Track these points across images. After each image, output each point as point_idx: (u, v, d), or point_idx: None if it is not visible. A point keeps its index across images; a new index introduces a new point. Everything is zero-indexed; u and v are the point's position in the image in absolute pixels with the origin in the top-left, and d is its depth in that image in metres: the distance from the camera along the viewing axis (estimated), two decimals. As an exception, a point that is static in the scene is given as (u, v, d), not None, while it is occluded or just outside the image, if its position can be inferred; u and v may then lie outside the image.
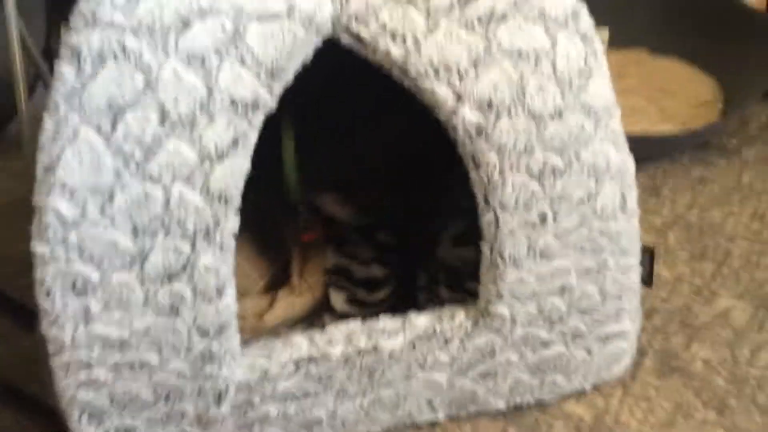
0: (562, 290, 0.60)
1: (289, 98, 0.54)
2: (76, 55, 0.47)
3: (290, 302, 0.75)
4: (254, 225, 0.77)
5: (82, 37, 0.47)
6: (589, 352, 0.65)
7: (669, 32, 1.08)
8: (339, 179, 0.72)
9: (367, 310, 0.73)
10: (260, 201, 0.73)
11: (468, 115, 0.52)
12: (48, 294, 0.51)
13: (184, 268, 0.52)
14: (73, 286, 0.51)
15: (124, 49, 0.47)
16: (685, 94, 1.05)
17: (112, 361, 0.54)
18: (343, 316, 0.72)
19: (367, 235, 0.78)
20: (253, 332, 0.72)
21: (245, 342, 0.59)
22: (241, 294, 0.76)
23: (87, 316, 0.52)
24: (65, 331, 0.52)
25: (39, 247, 0.50)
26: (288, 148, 0.69)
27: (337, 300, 0.75)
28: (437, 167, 0.74)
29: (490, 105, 0.52)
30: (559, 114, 0.53)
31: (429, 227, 0.78)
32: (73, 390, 0.55)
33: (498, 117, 0.52)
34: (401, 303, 0.73)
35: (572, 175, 0.55)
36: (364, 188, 0.74)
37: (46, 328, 0.52)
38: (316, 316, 0.76)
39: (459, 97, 0.51)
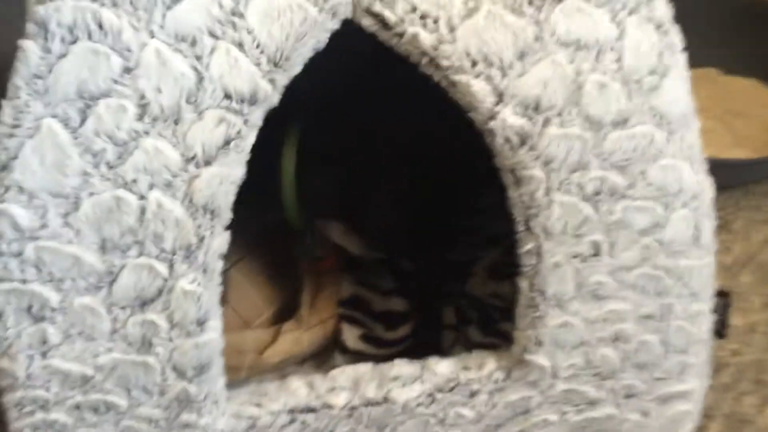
0: (616, 339, 0.52)
1: (298, 97, 0.47)
2: (43, 31, 0.41)
3: (296, 337, 0.67)
4: (265, 246, 0.71)
5: (51, 9, 0.41)
6: (645, 414, 0.56)
7: (743, 50, 1.00)
8: (347, 205, 0.64)
9: (384, 349, 0.67)
10: (272, 218, 0.66)
11: (510, 119, 0.44)
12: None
13: (159, 293, 0.44)
14: (29, 309, 0.44)
15: (100, 24, 0.41)
16: (762, 116, 0.96)
17: (72, 401, 0.47)
18: (356, 356, 0.66)
19: (388, 261, 0.71)
20: (251, 371, 0.65)
21: (235, 384, 0.51)
22: (244, 325, 0.69)
23: (44, 347, 0.45)
24: (19, 363, 0.45)
25: (-10, 261, 0.43)
26: (288, 161, 0.60)
27: (350, 336, 0.68)
28: (473, 184, 0.66)
29: (537, 107, 0.44)
30: (623, 121, 0.45)
31: (460, 255, 0.70)
32: (27, 434, 0.47)
33: (547, 122, 0.44)
34: (423, 345, 0.66)
35: (635, 198, 0.47)
36: (378, 215, 0.65)
37: (-3, 359, 0.45)
38: (327, 355, 0.69)
39: (500, 96, 0.43)
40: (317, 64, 0.46)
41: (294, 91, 0.47)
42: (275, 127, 0.47)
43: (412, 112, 0.59)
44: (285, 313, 0.71)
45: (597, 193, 0.46)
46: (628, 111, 0.45)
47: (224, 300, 0.68)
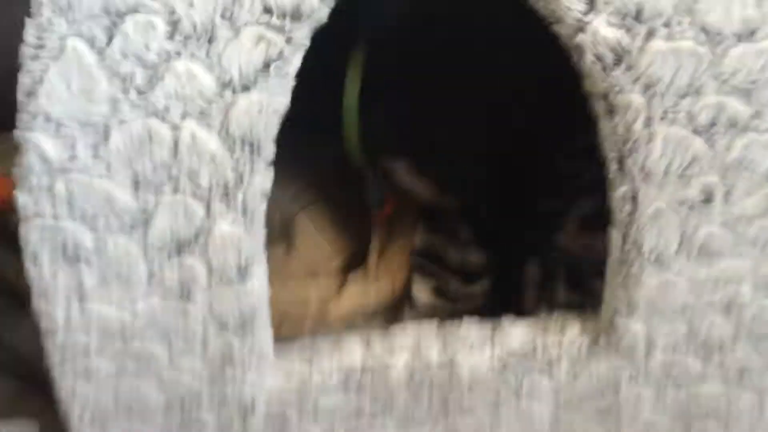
0: (729, 306, 0.45)
1: (362, 20, 0.41)
2: None
3: (362, 290, 0.63)
4: (335, 189, 0.67)
5: None
6: (760, 395, 0.49)
7: None
8: (416, 141, 0.58)
9: (458, 306, 0.61)
10: (333, 154, 0.61)
11: (603, 30, 0.37)
12: (35, 258, 0.42)
13: (196, 237, 0.41)
14: (64, 250, 0.42)
15: None
16: None
17: (113, 350, 0.45)
18: (429, 310, 0.61)
19: (466, 210, 0.65)
20: (315, 323, 0.61)
21: (286, 339, 0.47)
22: (310, 273, 0.66)
23: (81, 291, 0.43)
24: (57, 308, 0.43)
25: (21, 197, 0.41)
26: (351, 91, 0.55)
27: (422, 290, 0.63)
28: (565, 120, 0.58)
29: (638, 15, 0.36)
30: (750, 32, 0.37)
31: (549, 204, 0.63)
32: (71, 381, 0.46)
33: (650, 34, 0.37)
34: (503, 303, 0.60)
35: (762, 131, 0.39)
36: (451, 156, 0.59)
37: (37, 301, 0.43)
38: (400, 310, 0.64)
39: (591, 1, 0.36)
40: None
41: (355, 12, 0.41)
42: (334, 53, 0.41)
43: (490, 31, 0.52)
44: (355, 261, 0.66)
45: (712, 125, 0.39)
46: (756, 19, 0.37)
47: (291, 246, 0.66)
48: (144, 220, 0.41)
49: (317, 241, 0.66)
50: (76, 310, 0.43)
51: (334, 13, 0.39)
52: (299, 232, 0.65)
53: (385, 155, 0.59)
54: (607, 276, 0.45)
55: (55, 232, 0.41)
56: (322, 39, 0.39)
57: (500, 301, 0.62)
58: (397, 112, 0.56)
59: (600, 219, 0.58)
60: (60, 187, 0.40)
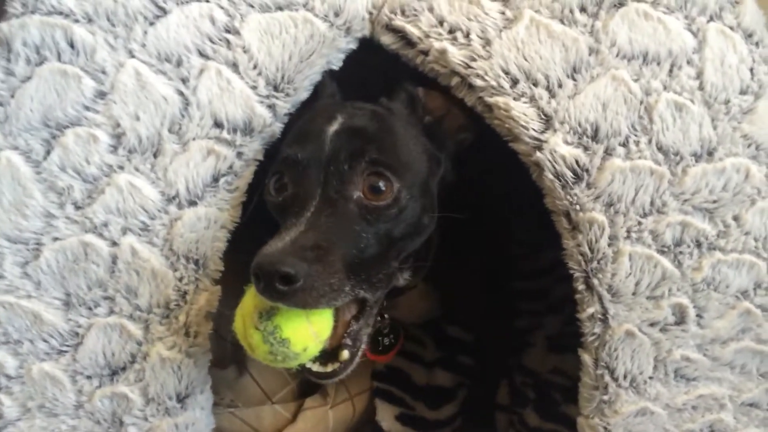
0: None
1: None
2: (6, 51, 0.38)
3: (319, 415, 0.61)
4: None
5: (15, 27, 0.38)
6: None
7: None
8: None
9: None
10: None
11: (559, 149, 0.38)
12: (-50, 384, 0.40)
13: (132, 362, 0.39)
14: (-18, 376, 0.40)
15: (72, 43, 0.38)
16: None
17: (32, 489, 0.41)
18: None
19: (432, 328, 0.65)
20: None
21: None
22: (265, 398, 0.64)
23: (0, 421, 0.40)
24: (-29, 440, 0.41)
25: (-61, 318, 0.39)
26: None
27: (386, 415, 0.61)
28: (532, 238, 0.59)
29: (595, 133, 0.38)
30: (708, 152, 0.38)
31: (516, 323, 0.65)
32: None
33: (608, 152, 0.38)
34: (472, 428, 0.61)
35: (728, 251, 0.39)
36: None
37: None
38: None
39: (547, 121, 0.38)
40: None
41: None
42: None
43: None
44: (312, 384, 0.65)
45: (678, 244, 0.39)
46: (713, 140, 0.38)
47: (242, 369, 0.63)
48: (74, 344, 0.40)
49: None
50: (-7, 444, 0.41)
51: None
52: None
53: None
54: (579, 401, 0.44)
55: (-26, 356, 0.39)
56: None
57: (470, 426, 0.60)
58: None
59: (566, 339, 0.58)
60: (-17, 308, 0.39)
